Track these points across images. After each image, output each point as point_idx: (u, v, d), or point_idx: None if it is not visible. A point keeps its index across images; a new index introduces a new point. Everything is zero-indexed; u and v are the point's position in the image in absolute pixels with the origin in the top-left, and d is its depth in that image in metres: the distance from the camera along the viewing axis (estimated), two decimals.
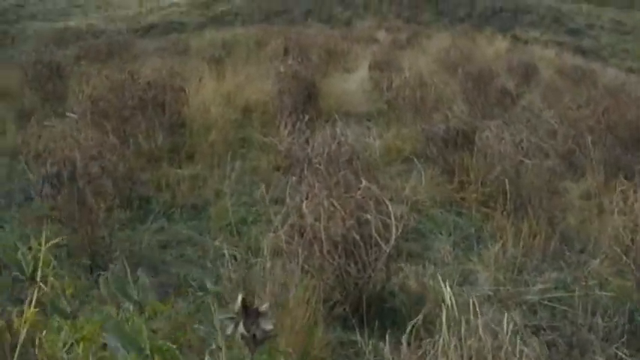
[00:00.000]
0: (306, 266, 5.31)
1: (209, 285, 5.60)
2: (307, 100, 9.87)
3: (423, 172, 8.37)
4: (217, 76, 13.40)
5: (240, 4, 37.30)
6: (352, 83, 15.35)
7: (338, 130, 7.69)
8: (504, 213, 7.39)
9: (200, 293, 5.83)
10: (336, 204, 5.35)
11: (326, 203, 5.38)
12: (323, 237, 5.18)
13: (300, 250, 5.22)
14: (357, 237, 5.32)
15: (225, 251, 5.90)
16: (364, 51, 20.22)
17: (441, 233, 7.61)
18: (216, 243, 6.64)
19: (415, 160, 9.06)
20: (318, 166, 7.09)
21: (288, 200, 5.64)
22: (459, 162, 8.84)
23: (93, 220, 5.81)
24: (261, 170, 9.25)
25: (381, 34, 26.17)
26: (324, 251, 5.19)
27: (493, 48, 24.70)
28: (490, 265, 6.41)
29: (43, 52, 11.78)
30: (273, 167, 9.38)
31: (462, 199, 8.50)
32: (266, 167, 9.32)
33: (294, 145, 7.84)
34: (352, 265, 5.38)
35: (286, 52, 13.47)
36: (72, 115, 6.21)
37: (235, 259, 6.15)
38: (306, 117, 8.58)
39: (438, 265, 6.61)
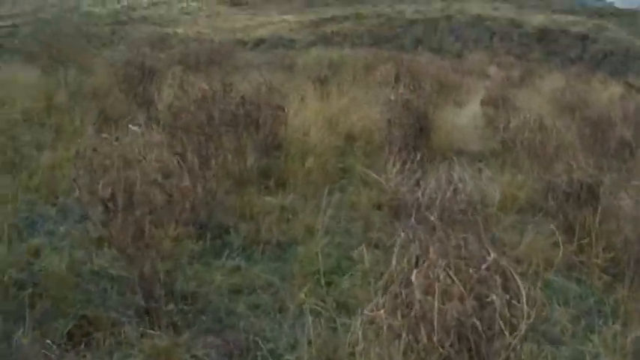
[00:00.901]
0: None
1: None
2: (418, 134, 8.63)
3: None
4: (321, 97, 12.27)
5: (351, 26, 36.40)
6: (463, 118, 14.15)
7: (455, 174, 6.44)
8: (629, 285, 6.34)
9: None
10: (454, 277, 4.09)
11: (441, 275, 4.13)
12: (435, 318, 3.94)
13: (403, 333, 4.00)
14: (477, 322, 4.06)
15: (308, 307, 5.15)
16: (475, 85, 18.96)
17: (558, 304, 6.29)
18: (301, 295, 5.51)
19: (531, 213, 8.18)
20: (429, 216, 5.86)
21: (394, 263, 4.40)
22: (581, 220, 7.56)
23: (151, 254, 4.69)
24: (360, 207, 8.14)
25: (493, 70, 24.85)
26: (434, 337, 3.94)
27: (607, 93, 23.01)
28: (612, 348, 5.30)
29: (138, 54, 10.76)
30: (374, 205, 8.24)
31: (582, 262, 7.19)
32: (366, 204, 8.18)
33: (402, 185, 6.61)
34: (466, 356, 4.12)
35: (397, 78, 12.27)
36: (134, 128, 5.11)
37: (320, 319, 5.11)
38: (418, 155, 7.34)
39: (554, 344, 5.49)
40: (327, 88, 12.95)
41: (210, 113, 7.14)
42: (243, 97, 8.19)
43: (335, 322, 5.17)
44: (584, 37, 36.44)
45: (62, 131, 8.71)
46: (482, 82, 19.96)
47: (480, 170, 9.13)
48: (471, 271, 4.24)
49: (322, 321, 5.10)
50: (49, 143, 8.40)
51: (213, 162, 6.52)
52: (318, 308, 5.28)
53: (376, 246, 6.83)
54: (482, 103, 15.16)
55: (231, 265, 6.18)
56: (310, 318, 4.98)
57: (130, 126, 4.81)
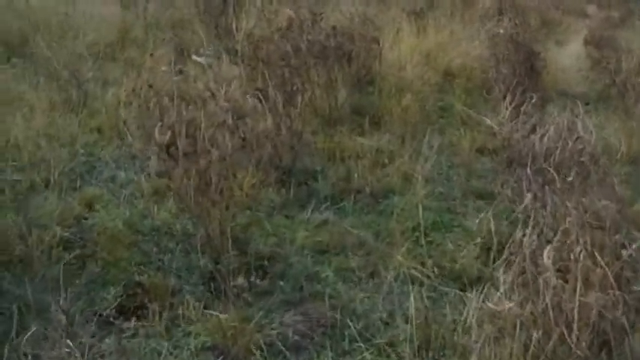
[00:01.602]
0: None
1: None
2: (529, 73, 7.50)
3: None
4: (417, 31, 11.14)
5: None
6: (566, 58, 12.85)
7: (579, 122, 5.41)
8: None
9: (360, 345, 3.78)
10: (599, 259, 3.12)
11: (581, 253, 3.17)
12: (575, 315, 2.98)
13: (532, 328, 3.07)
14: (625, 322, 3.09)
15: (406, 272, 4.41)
16: (575, 24, 17.41)
17: None
18: (398, 257, 4.62)
19: None
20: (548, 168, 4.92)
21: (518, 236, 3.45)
22: None
23: (219, 210, 3.82)
24: (461, 151, 7.21)
25: (592, 9, 23.03)
26: (572, 336, 3.00)
27: None
28: None
29: None
30: (477, 149, 7.33)
31: None
32: (468, 148, 7.23)
33: (515, 130, 5.63)
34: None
35: (500, 12, 11.06)
36: (199, 59, 4.20)
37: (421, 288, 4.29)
38: (533, 96, 6.29)
39: None
40: (424, 22, 11.78)
41: (297, 44, 6.18)
42: (334, 28, 7.20)
43: (439, 292, 4.39)
44: None
45: (133, 66, 7.80)
46: (582, 21, 18.41)
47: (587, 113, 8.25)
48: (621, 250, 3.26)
49: (423, 292, 4.23)
50: (117, 80, 7.49)
51: (299, 98, 5.55)
52: (418, 274, 4.48)
53: (480, 196, 6.12)
54: (586, 42, 13.78)
55: (317, 219, 5.33)
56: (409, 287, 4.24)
57: (195, 57, 3.91)
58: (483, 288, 3.86)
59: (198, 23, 9.46)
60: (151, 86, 3.96)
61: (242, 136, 3.98)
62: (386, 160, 6.46)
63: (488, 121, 6.67)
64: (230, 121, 3.87)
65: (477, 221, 5.22)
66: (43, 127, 6.35)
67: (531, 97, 6.29)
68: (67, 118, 6.67)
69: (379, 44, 8.44)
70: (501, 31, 8.97)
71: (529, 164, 5.24)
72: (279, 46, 5.54)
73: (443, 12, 13.23)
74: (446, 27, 11.79)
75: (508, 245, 3.54)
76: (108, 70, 8.12)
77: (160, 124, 3.78)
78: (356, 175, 6.03)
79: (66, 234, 4.58)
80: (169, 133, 3.76)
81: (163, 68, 4.17)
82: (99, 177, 5.80)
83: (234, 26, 5.41)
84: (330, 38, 7.09)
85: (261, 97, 5.04)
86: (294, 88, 5.54)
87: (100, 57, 8.53)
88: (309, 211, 5.39)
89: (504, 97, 7.35)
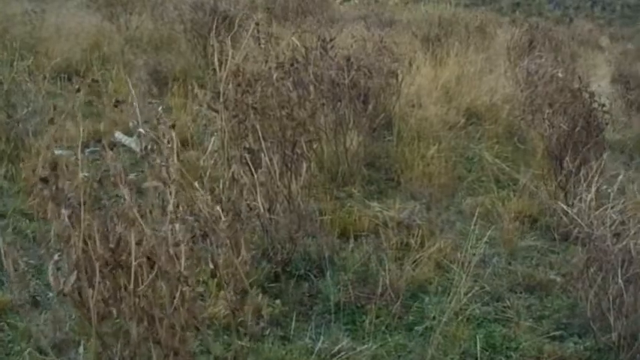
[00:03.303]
0: None
1: None
2: (587, 127, 5.64)
3: None
4: (433, 61, 9.39)
5: None
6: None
7: None
8: None
9: None
10: None
11: None
12: None
13: None
14: None
15: None
16: (594, 57, 15.72)
17: None
18: None
19: None
20: None
21: None
22: None
23: None
24: (498, 219, 5.42)
25: (605, 41, 21.38)
26: None
27: None
28: None
29: None
30: (516, 216, 5.49)
31: None
32: (506, 216, 5.41)
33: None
34: None
35: (531, 44, 9.28)
36: (126, 140, 2.41)
37: None
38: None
39: None
40: (439, 51, 10.02)
41: (303, 84, 4.35)
42: (348, 59, 5.41)
43: None
44: None
45: (95, 96, 6.00)
46: (599, 53, 16.71)
47: None
48: None
49: None
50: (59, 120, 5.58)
51: (304, 166, 3.71)
52: None
53: (530, 289, 4.59)
54: (613, 80, 12.05)
55: (325, 349, 3.46)
56: None
57: (118, 135, 2.15)
58: None
59: (183, 43, 7.63)
60: (45, 181, 2.14)
61: (211, 266, 2.18)
62: (411, 241, 4.60)
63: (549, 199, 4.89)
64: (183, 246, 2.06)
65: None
66: None
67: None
68: None
69: (398, 79, 6.65)
70: (534, 68, 7.19)
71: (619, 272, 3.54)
72: (279, 89, 3.72)
73: (458, 39, 11.43)
74: (465, 57, 10.05)
75: None
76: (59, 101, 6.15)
77: (56, 258, 2.00)
78: (373, 266, 4.19)
79: None
80: (74, 276, 1.97)
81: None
82: None
83: (215, 59, 3.56)
84: (343, 73, 5.27)
85: (250, 163, 3.24)
86: (298, 150, 3.71)
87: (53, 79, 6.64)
88: (313, 329, 3.56)
89: (557, 157, 5.59)
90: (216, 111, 3.57)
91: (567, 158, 5.41)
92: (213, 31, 4.30)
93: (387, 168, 6.11)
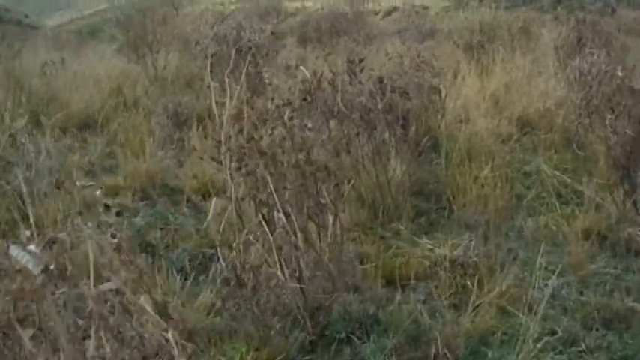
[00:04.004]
0: None
1: None
2: None
3: None
4: (478, 69, 8.70)
5: None
6: None
7: None
8: None
9: None
10: None
11: None
12: None
13: None
14: None
15: None
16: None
17: None
18: None
19: None
20: None
21: None
22: None
23: None
24: (564, 241, 4.83)
25: None
26: None
27: None
28: None
29: (232, 26, 7.30)
30: (583, 235, 4.87)
31: None
32: (573, 236, 4.80)
33: None
34: None
35: (580, 41, 8.51)
36: (18, 254, 1.74)
37: None
38: None
39: None
40: (484, 58, 9.32)
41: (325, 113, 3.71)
42: (381, 80, 4.78)
43: None
44: None
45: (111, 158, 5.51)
46: None
47: None
48: None
49: None
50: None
51: (329, 220, 3.05)
52: None
53: (607, 323, 3.93)
54: None
55: None
56: None
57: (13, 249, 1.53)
58: None
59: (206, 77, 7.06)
60: None
61: None
62: (469, 283, 3.95)
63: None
64: None
65: None
66: None
67: None
68: None
69: (441, 95, 6.00)
70: (593, 67, 6.44)
71: None
72: (291, 129, 3.06)
73: (502, 44, 10.68)
74: (511, 62, 9.33)
75: None
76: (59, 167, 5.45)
77: None
78: (427, 322, 3.54)
79: None
80: None
81: None
82: None
83: (212, 101, 2.97)
84: (376, 96, 4.63)
85: (265, 222, 2.62)
86: (322, 199, 3.06)
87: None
88: None
89: (623, 166, 4.91)
90: (219, 162, 2.99)
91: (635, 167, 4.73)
92: (208, 67, 3.69)
93: (436, 195, 5.47)
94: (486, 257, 4.34)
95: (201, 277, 3.95)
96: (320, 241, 3.02)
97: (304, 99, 3.33)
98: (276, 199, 2.83)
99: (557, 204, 5.39)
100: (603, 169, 5.96)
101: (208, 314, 3.50)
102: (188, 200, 4.90)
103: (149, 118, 6.23)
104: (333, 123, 4.16)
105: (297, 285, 2.84)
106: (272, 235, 2.76)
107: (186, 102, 6.07)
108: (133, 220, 4.77)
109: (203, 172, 4.68)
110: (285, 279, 2.76)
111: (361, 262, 4.09)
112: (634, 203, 4.92)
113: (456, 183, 5.54)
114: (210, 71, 5.40)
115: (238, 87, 3.21)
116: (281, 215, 2.77)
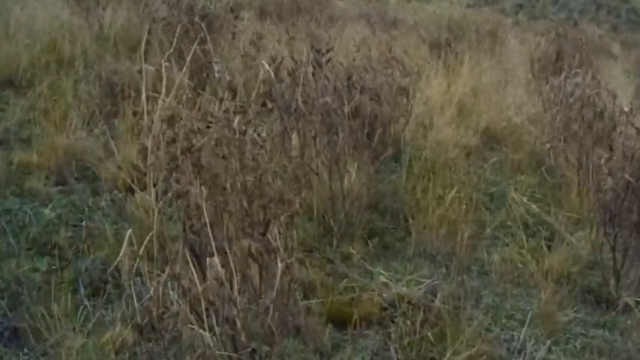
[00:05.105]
0: None
1: None
2: None
3: None
4: (444, 70, 8.04)
5: None
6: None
7: None
8: None
9: None
10: None
11: None
12: None
13: None
14: None
15: None
16: (608, 66, 14.31)
17: None
18: None
19: None
20: None
21: None
22: None
23: None
24: (532, 285, 4.32)
25: (617, 48, 19.95)
26: None
27: None
28: None
29: None
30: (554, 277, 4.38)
31: None
32: (541, 278, 4.31)
33: None
34: None
35: (559, 56, 7.85)
36: None
37: None
38: None
39: None
40: (450, 58, 8.65)
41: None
42: (349, 78, 4.09)
43: None
44: None
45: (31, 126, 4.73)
46: (614, 63, 15.33)
47: None
48: None
49: None
50: None
51: (278, 270, 2.32)
52: None
53: None
54: (637, 93, 10.78)
55: None
56: None
57: None
58: None
59: (156, 48, 6.24)
60: None
61: None
62: (429, 335, 3.31)
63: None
64: None
65: None
66: None
67: None
68: None
69: (409, 98, 5.34)
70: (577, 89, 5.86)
71: None
72: (240, 146, 2.30)
73: (469, 45, 10.05)
74: (478, 66, 8.70)
75: None
76: None
77: None
78: None
79: None
80: None
81: None
82: None
83: (143, 96, 2.23)
84: (343, 97, 3.93)
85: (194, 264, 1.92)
86: (270, 238, 2.33)
87: None
88: None
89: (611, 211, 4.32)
90: (143, 174, 2.26)
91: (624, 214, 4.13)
92: (143, 44, 2.89)
93: (393, 211, 4.81)
94: (449, 297, 3.71)
95: (115, 294, 3.23)
96: (261, 293, 2.31)
97: (263, 104, 2.62)
98: (211, 236, 2.13)
99: (523, 235, 4.80)
100: (575, 201, 5.41)
101: (117, 354, 2.79)
102: (110, 192, 4.13)
103: (80, 84, 5.41)
104: (295, 136, 3.45)
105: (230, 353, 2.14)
106: (202, 283, 2.05)
107: (124, 70, 5.25)
108: (41, 210, 3.99)
109: (131, 162, 3.94)
110: (215, 344, 2.06)
111: (305, 295, 3.39)
112: (612, 249, 4.35)
113: (416, 199, 4.90)
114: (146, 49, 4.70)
115: (181, 75, 2.49)
116: (215, 259, 2.07)
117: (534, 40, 9.83)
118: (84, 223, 3.82)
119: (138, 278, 2.55)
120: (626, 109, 4.72)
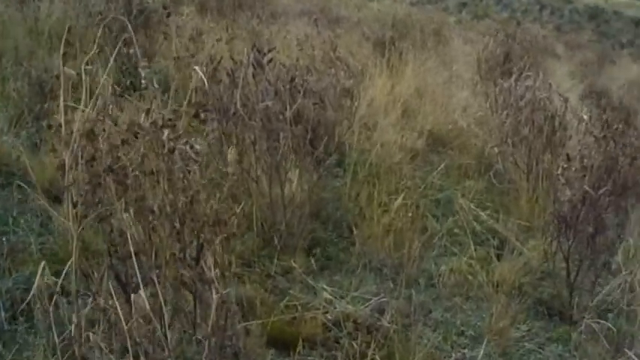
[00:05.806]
0: None
1: None
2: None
3: None
4: (388, 70, 7.81)
5: None
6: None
7: None
8: None
9: None
10: None
11: None
12: None
13: None
14: None
15: None
16: (553, 67, 14.31)
17: None
18: None
19: None
20: None
21: None
22: None
23: None
24: (480, 295, 4.16)
25: (561, 49, 20.00)
26: None
27: None
28: None
29: None
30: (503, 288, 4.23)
31: None
32: (491, 289, 4.18)
33: None
34: None
35: (507, 57, 7.68)
36: None
37: None
38: None
39: None
40: (395, 57, 8.43)
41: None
42: (292, 80, 3.85)
43: None
44: (638, 23, 31.65)
45: None
46: (559, 63, 15.35)
47: None
48: None
49: None
50: None
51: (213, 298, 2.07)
52: None
53: None
54: (583, 96, 10.74)
55: None
56: None
57: None
58: None
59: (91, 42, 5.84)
60: None
61: None
62: (377, 358, 3.10)
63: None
64: None
65: None
66: None
67: None
68: None
69: (353, 98, 5.13)
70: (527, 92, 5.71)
71: None
72: (168, 162, 2.04)
73: (413, 44, 9.87)
74: (423, 66, 8.52)
75: None
76: None
77: None
78: None
79: None
80: None
81: None
82: None
83: (60, 103, 1.98)
84: (285, 101, 3.69)
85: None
86: (205, 266, 2.05)
87: None
88: None
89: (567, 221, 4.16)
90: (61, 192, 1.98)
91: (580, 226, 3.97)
92: (62, 45, 2.60)
93: (336, 220, 4.57)
94: (399, 318, 3.50)
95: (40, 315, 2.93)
96: (195, 326, 2.06)
97: (196, 115, 2.35)
98: (136, 266, 1.87)
99: (472, 245, 4.62)
100: (525, 208, 5.26)
101: None
102: (37, 201, 3.80)
103: (8, 82, 5.05)
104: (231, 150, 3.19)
105: None
106: (127, 322, 1.79)
107: (56, 68, 4.87)
108: None
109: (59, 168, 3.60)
110: None
111: (244, 315, 3.13)
112: (566, 260, 4.20)
113: (360, 207, 4.68)
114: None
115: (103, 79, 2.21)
116: (141, 294, 1.80)
117: (479, 39, 9.70)
118: (7, 236, 3.48)
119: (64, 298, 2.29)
120: (585, 116, 4.56)
